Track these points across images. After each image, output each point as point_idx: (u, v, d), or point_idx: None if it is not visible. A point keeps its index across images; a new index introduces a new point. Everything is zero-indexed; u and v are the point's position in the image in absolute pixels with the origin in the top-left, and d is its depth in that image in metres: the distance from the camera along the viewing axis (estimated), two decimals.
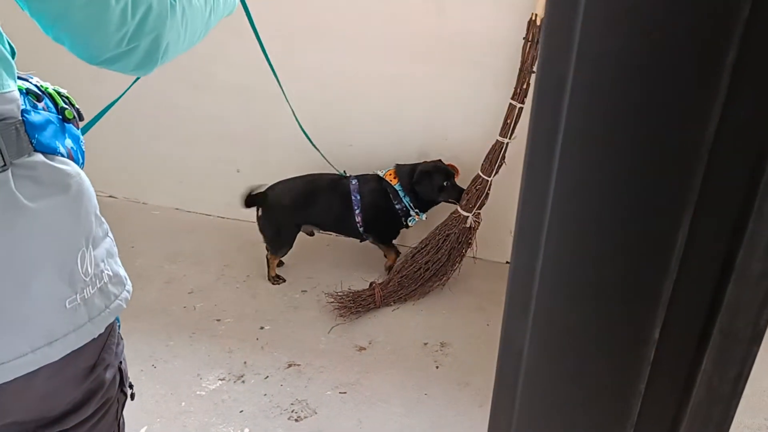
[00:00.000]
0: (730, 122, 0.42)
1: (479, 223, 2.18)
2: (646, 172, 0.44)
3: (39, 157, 0.76)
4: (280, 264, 2.37)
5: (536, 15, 1.95)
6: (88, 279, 0.81)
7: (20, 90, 0.77)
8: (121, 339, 0.94)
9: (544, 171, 0.47)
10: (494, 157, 2.07)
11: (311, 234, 2.40)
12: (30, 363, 0.76)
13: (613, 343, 0.49)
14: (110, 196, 2.74)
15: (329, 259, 2.44)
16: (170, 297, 2.20)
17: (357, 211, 2.21)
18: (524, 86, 2.01)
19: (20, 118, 0.75)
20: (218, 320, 2.11)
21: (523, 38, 2.00)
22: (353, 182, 2.21)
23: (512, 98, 2.03)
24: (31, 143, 0.76)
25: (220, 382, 1.84)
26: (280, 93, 2.42)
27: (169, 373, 1.87)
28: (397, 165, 2.24)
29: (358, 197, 2.20)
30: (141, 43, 0.83)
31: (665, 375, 0.49)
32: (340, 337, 2.06)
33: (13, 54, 0.76)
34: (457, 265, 2.24)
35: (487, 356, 1.97)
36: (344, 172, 2.27)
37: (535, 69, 1.94)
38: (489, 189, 2.12)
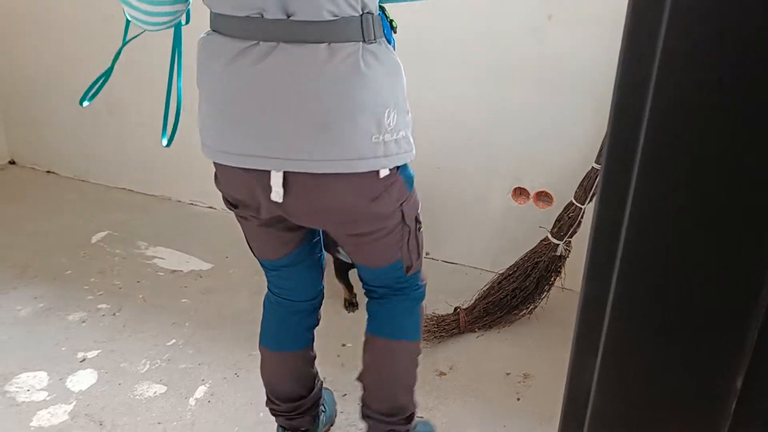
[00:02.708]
0: None
1: (569, 251, 2.11)
2: (733, 199, 0.40)
3: (382, 42, 1.17)
4: None
5: None
6: (389, 129, 1.19)
7: None
8: (401, 188, 1.30)
9: (618, 196, 0.44)
10: (589, 185, 2.00)
11: None
12: (344, 166, 1.16)
13: (689, 392, 0.45)
14: (209, 207, 2.86)
15: None
16: (258, 307, 2.24)
17: None
18: None
19: (376, 14, 1.15)
20: None
21: None
22: None
23: None
24: (378, 32, 1.15)
25: None
26: None
27: (250, 382, 1.91)
28: None
29: None
30: None
31: (748, 428, 0.44)
32: (421, 360, 2.03)
33: None
34: (545, 294, 2.17)
35: None
36: None
37: None
38: (582, 217, 2.04)
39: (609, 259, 0.46)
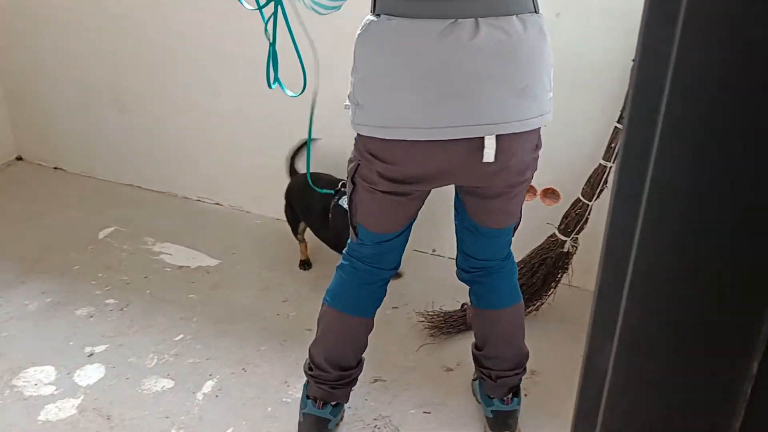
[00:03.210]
0: None
1: (577, 248, 2.11)
2: (747, 191, 0.40)
3: (540, 15, 1.34)
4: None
5: None
6: (551, 87, 1.39)
7: None
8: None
9: (636, 182, 0.44)
10: (596, 181, 2.00)
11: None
12: (533, 124, 1.36)
13: (704, 376, 0.45)
14: (216, 203, 2.86)
15: (421, 277, 2.43)
16: (266, 303, 2.27)
17: (331, 226, 2.20)
18: None
19: None
20: (309, 330, 2.14)
21: (632, 60, 1.92)
22: (335, 198, 2.16)
23: (618, 121, 1.96)
24: (536, 6, 1.33)
25: None
26: None
27: (259, 377, 1.92)
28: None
29: (331, 216, 2.17)
30: None
31: (764, 414, 0.45)
32: (428, 356, 2.04)
33: None
34: (552, 291, 2.17)
35: None
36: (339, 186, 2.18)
37: None
38: (589, 214, 2.04)
39: (624, 250, 0.46)
